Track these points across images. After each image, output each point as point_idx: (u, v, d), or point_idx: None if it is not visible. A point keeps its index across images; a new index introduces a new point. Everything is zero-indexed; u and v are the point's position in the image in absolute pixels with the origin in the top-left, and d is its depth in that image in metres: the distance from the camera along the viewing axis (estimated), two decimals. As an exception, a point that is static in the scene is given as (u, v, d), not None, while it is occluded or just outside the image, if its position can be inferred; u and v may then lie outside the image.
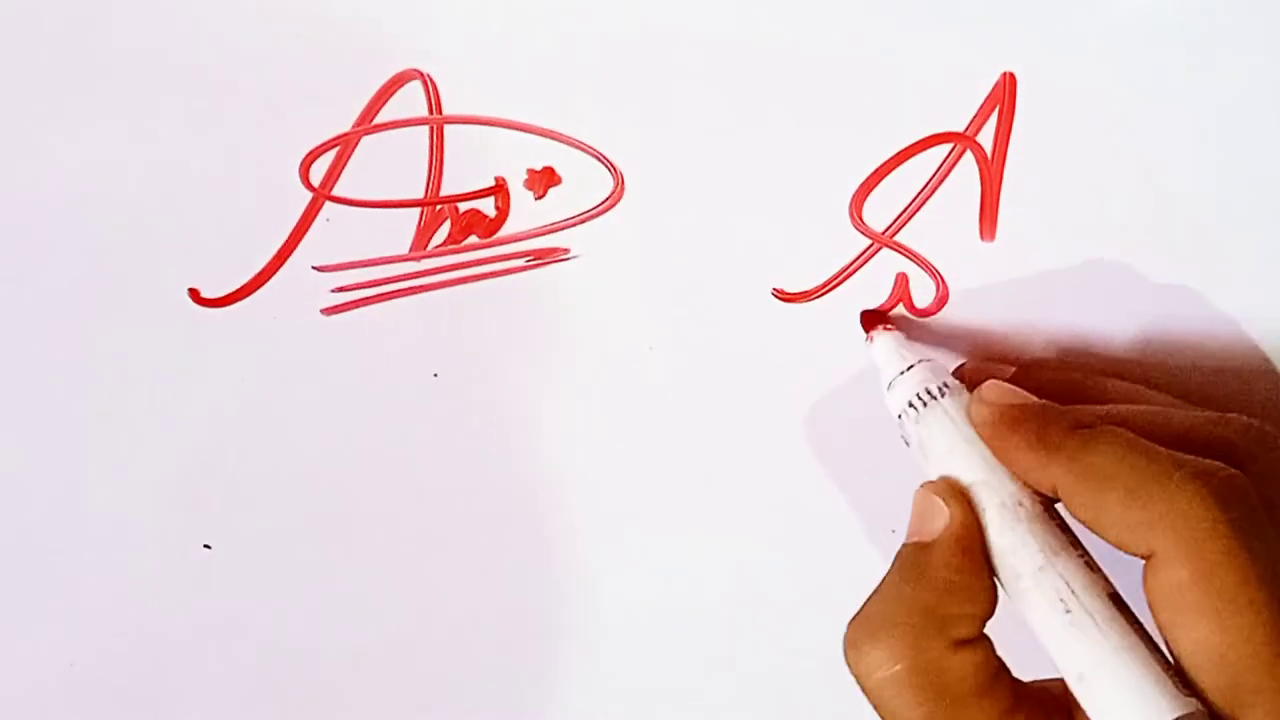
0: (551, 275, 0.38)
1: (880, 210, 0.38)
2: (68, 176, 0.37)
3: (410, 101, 0.37)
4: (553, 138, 0.37)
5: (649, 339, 0.39)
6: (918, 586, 0.32)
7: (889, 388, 0.36)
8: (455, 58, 0.37)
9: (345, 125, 0.37)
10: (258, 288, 0.38)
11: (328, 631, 0.41)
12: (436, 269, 0.38)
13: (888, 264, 0.38)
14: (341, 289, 0.38)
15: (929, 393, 0.35)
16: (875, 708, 0.32)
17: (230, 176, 0.37)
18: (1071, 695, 0.31)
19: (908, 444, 0.35)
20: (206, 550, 0.41)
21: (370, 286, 0.38)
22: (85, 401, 0.39)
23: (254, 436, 0.40)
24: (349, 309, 0.39)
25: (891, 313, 0.38)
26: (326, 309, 0.39)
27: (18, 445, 0.40)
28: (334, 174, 0.37)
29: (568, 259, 0.38)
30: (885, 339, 0.37)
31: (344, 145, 0.37)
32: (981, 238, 0.38)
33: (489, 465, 0.40)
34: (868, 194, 0.37)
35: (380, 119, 0.37)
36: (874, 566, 0.41)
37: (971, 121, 0.37)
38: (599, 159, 0.37)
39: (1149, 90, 0.36)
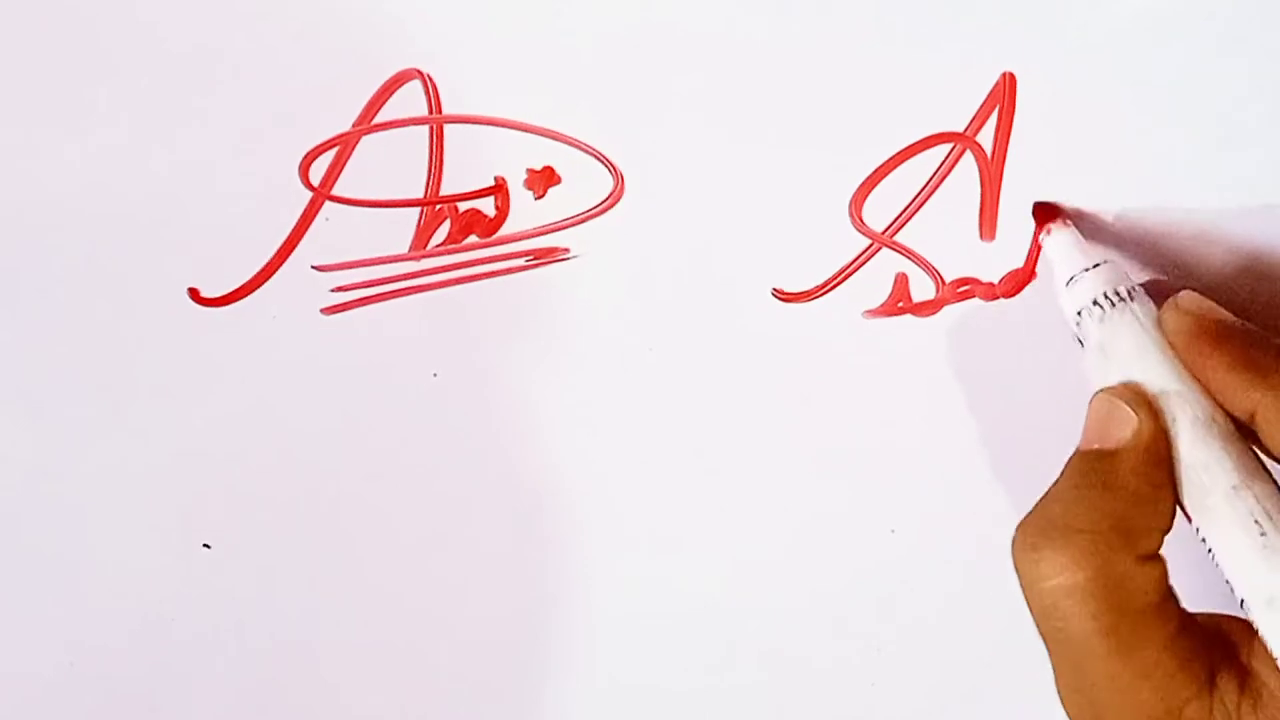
0: (551, 275, 0.38)
1: (880, 210, 0.38)
2: (68, 176, 0.37)
3: (410, 101, 0.37)
4: (553, 138, 0.37)
5: (649, 339, 0.39)
6: (1104, 494, 0.31)
7: (1069, 283, 0.34)
8: (455, 58, 0.37)
9: (345, 125, 0.37)
10: (258, 288, 0.38)
11: (328, 631, 0.42)
12: (436, 269, 0.38)
13: (888, 264, 0.38)
14: (341, 289, 0.38)
15: (1119, 294, 0.33)
16: (1041, 616, 0.30)
17: (230, 176, 0.37)
18: (1230, 629, 0.31)
19: (1083, 344, 0.34)
20: (206, 550, 0.41)
21: (370, 286, 0.38)
22: (85, 401, 0.39)
23: (254, 436, 0.40)
24: (349, 309, 0.39)
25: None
26: (326, 309, 0.39)
27: (18, 445, 0.40)
28: (334, 174, 0.37)
29: (568, 259, 0.38)
30: (1065, 234, 0.35)
31: (344, 145, 0.37)
32: (981, 238, 0.38)
33: (489, 465, 0.40)
34: (868, 194, 0.37)
35: (380, 119, 0.37)
36: (874, 566, 0.41)
37: (971, 121, 0.37)
38: (599, 159, 0.37)
39: (1149, 90, 0.36)
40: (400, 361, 0.39)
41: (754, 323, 0.39)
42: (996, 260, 0.38)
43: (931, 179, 0.37)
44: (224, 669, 0.42)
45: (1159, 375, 0.32)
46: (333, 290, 0.38)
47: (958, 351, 0.39)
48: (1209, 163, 0.37)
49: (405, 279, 0.38)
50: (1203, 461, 0.31)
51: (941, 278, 0.38)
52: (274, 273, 0.38)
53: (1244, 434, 0.32)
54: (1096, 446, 0.32)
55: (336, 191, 0.37)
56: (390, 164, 0.37)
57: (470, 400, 0.40)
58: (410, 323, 0.39)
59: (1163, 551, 0.31)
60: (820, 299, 0.38)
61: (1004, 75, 0.36)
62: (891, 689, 0.42)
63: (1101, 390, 0.33)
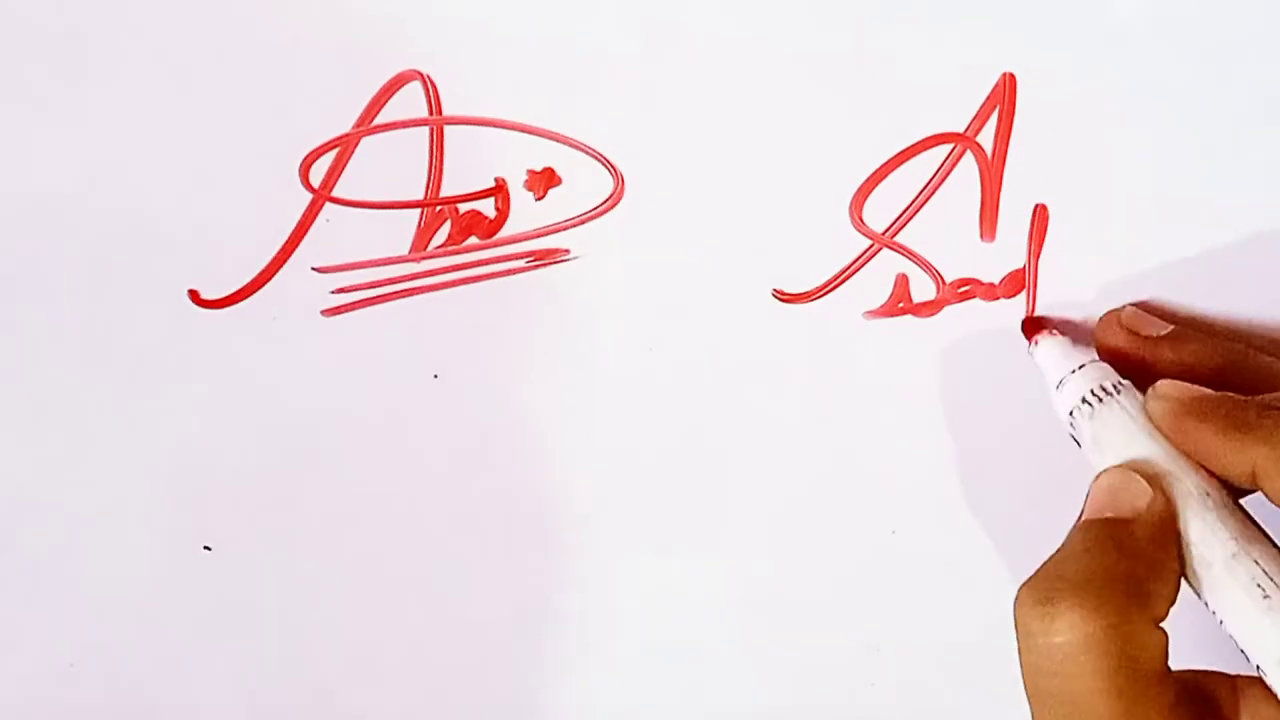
0: (551, 275, 0.38)
1: (880, 210, 0.38)
2: (68, 176, 0.37)
3: (410, 102, 0.37)
4: (553, 138, 0.37)
5: (649, 339, 0.39)
6: (1121, 558, 0.31)
7: (1058, 387, 0.36)
8: (455, 58, 0.37)
9: (345, 126, 0.37)
10: (258, 288, 0.38)
11: (327, 631, 0.42)
12: (436, 269, 0.38)
13: (888, 264, 0.38)
14: (341, 289, 0.38)
15: (1104, 389, 0.35)
16: (1041, 673, 0.30)
17: (230, 176, 0.37)
18: (1215, 688, 0.31)
19: (1078, 443, 0.35)
20: (206, 550, 0.41)
21: (370, 287, 0.38)
22: (85, 402, 0.39)
23: (254, 437, 0.40)
24: (349, 309, 0.39)
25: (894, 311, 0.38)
26: (326, 309, 0.38)
27: (18, 445, 0.40)
28: (334, 174, 0.37)
29: (568, 259, 0.38)
30: (1051, 343, 0.37)
31: (344, 146, 0.37)
32: (981, 238, 0.38)
33: (489, 466, 0.40)
34: (868, 194, 0.37)
35: (380, 119, 0.37)
36: (873, 566, 0.41)
37: (971, 121, 0.37)
38: (599, 159, 0.37)
39: (1149, 90, 0.36)
40: (400, 362, 0.39)
41: (754, 323, 0.39)
42: (996, 260, 0.38)
43: (931, 179, 0.37)
44: (224, 669, 0.42)
45: (1151, 459, 0.33)
46: (333, 291, 0.38)
47: (958, 352, 0.39)
48: (1209, 163, 0.37)
49: (405, 280, 0.38)
50: (1200, 534, 0.32)
51: (942, 278, 0.38)
52: (274, 274, 0.38)
53: (1239, 505, 0.33)
54: (1110, 515, 0.32)
55: (337, 193, 0.37)
56: (390, 165, 0.37)
57: (470, 400, 0.40)
58: (410, 323, 0.39)
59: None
60: (820, 299, 0.38)
61: (1004, 75, 0.36)
62: (891, 689, 0.42)
63: (1111, 467, 0.33)
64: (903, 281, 0.38)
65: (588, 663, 0.42)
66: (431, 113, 0.37)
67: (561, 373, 0.39)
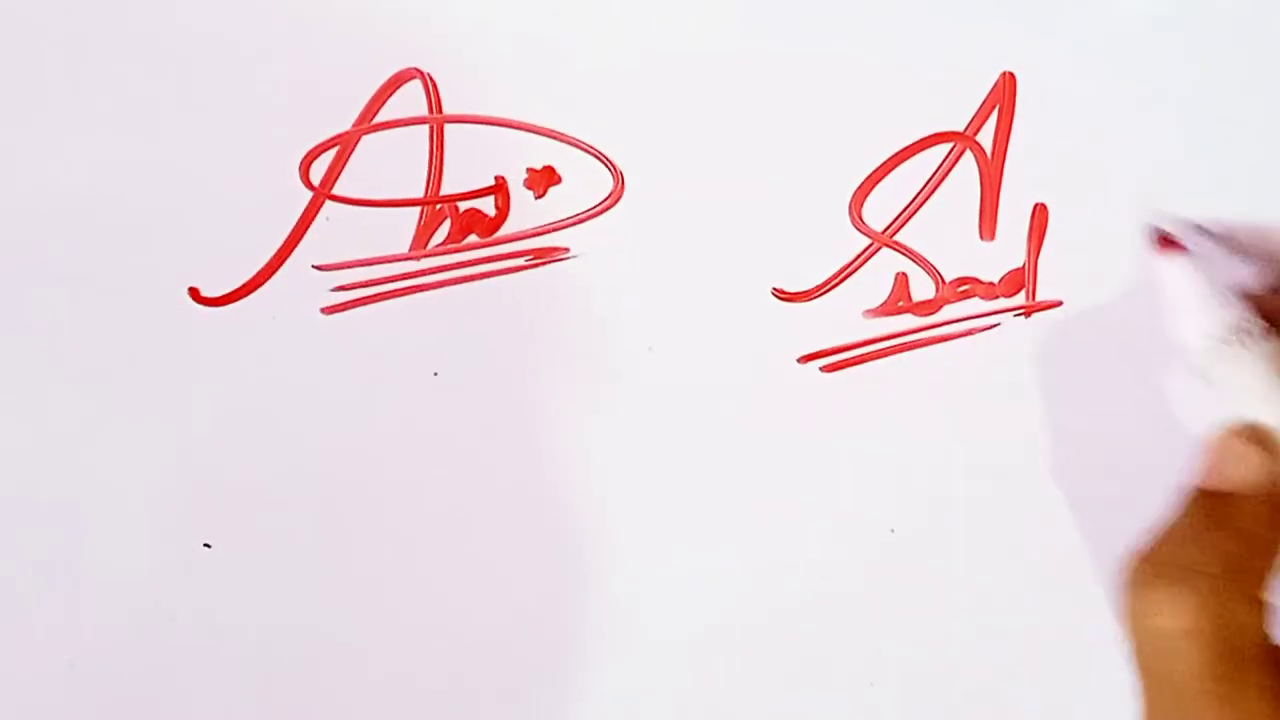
0: (551, 275, 0.38)
1: (880, 210, 0.38)
2: (68, 176, 0.37)
3: (410, 101, 0.37)
4: (553, 138, 0.37)
5: (649, 339, 0.39)
6: (1223, 536, 0.30)
7: (1189, 315, 0.34)
8: (455, 58, 0.37)
9: (345, 125, 0.37)
10: (258, 287, 0.38)
11: (328, 631, 0.41)
12: (436, 268, 0.38)
13: (888, 264, 0.38)
14: (341, 288, 0.38)
15: (1245, 331, 0.33)
16: (1147, 654, 0.30)
17: (230, 176, 0.37)
18: None
19: (1205, 377, 0.34)
20: (206, 550, 0.41)
21: (370, 286, 0.38)
22: (85, 401, 0.39)
23: (254, 436, 0.40)
24: (349, 308, 0.39)
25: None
26: (326, 308, 0.39)
27: (18, 445, 0.40)
28: (334, 173, 0.37)
29: (568, 259, 0.38)
30: (1190, 262, 0.35)
31: (344, 145, 0.37)
32: (981, 237, 0.38)
33: (489, 464, 0.40)
34: (868, 194, 0.37)
35: (380, 118, 0.37)
36: (873, 566, 0.41)
37: (971, 121, 0.37)
38: (599, 159, 0.37)
39: (1149, 90, 0.36)
40: (400, 361, 0.39)
41: (754, 323, 0.39)
42: (996, 260, 0.38)
43: (931, 179, 0.37)
44: (224, 669, 0.42)
45: (1277, 416, 0.32)
46: (333, 290, 0.38)
47: (958, 352, 0.39)
48: (1208, 162, 0.37)
49: (405, 279, 0.38)
50: None
51: (941, 277, 0.38)
52: (274, 272, 0.38)
53: None
54: (1215, 485, 0.32)
55: (337, 191, 0.37)
56: (390, 164, 0.37)
57: (470, 400, 0.40)
58: (410, 323, 0.39)
59: None
60: (820, 298, 0.38)
61: (1004, 75, 0.36)
62: (891, 689, 0.42)
63: (1226, 429, 0.32)
64: (902, 280, 0.38)
65: (587, 661, 0.42)
66: (432, 111, 0.37)
67: (561, 371, 0.39)
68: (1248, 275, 0.35)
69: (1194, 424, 0.33)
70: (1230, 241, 0.36)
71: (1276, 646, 0.30)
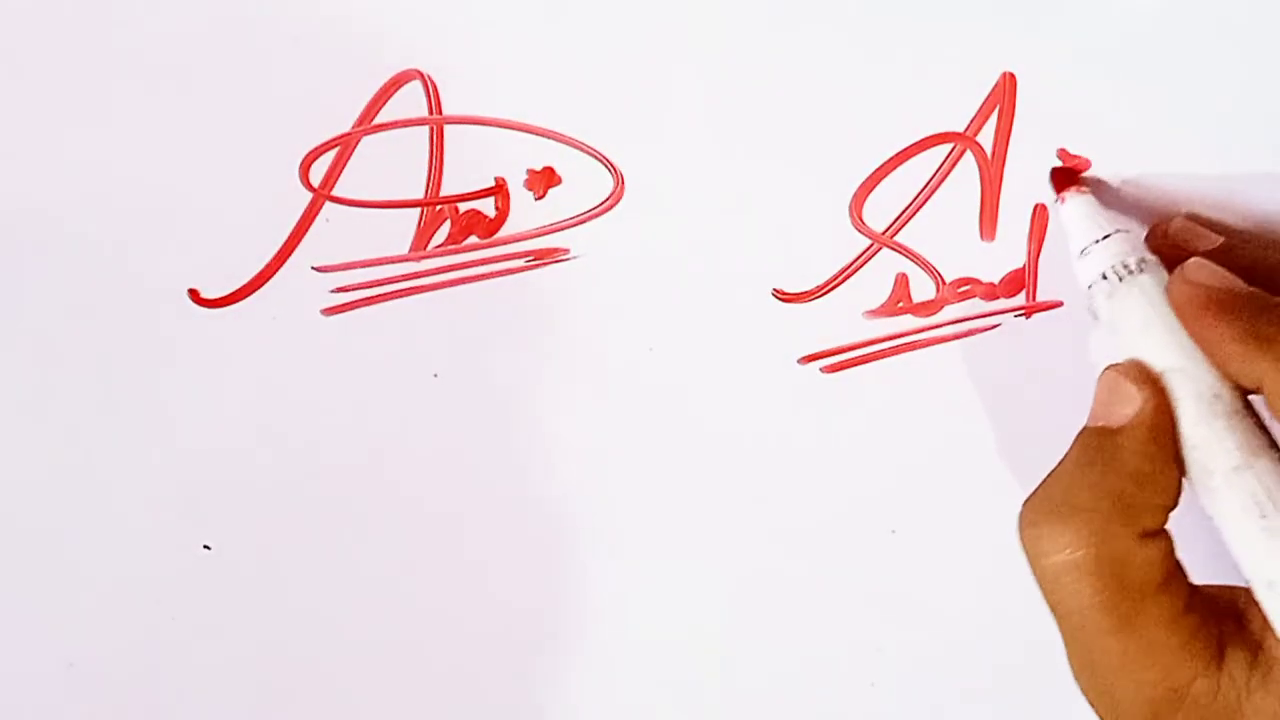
0: (551, 275, 0.38)
1: (880, 210, 0.38)
2: (68, 176, 0.37)
3: (410, 101, 0.37)
4: (553, 138, 0.37)
5: (649, 339, 0.39)
6: (1105, 472, 0.31)
7: (1080, 254, 0.34)
8: (455, 58, 0.37)
9: (345, 125, 0.37)
10: (258, 288, 0.38)
11: (328, 632, 0.41)
12: (436, 269, 0.38)
13: (888, 264, 0.38)
14: (341, 289, 0.38)
15: (1125, 267, 0.33)
16: (1046, 591, 0.31)
17: (230, 176, 0.37)
18: (1243, 602, 0.31)
19: (1096, 318, 0.34)
20: (206, 550, 0.41)
21: (370, 286, 0.38)
22: (85, 401, 0.39)
23: (254, 436, 0.40)
24: (349, 309, 0.39)
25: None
26: (326, 309, 0.39)
27: (17, 445, 0.40)
28: (334, 174, 0.37)
29: (568, 259, 0.38)
30: (1079, 202, 0.35)
31: (344, 145, 0.37)
32: (981, 238, 0.38)
33: (489, 465, 0.40)
34: (868, 194, 0.37)
35: (380, 119, 0.37)
36: (874, 566, 0.41)
37: (971, 121, 0.37)
38: (599, 159, 0.37)
39: (1149, 90, 0.36)
40: (400, 361, 0.39)
41: (754, 323, 0.39)
42: (996, 260, 0.38)
43: (931, 179, 0.37)
44: (224, 669, 0.42)
45: (1164, 351, 0.32)
46: (333, 291, 0.38)
47: (958, 352, 0.39)
48: (1208, 162, 0.37)
49: (405, 279, 0.38)
50: (1204, 440, 0.31)
51: (941, 278, 0.38)
52: (274, 273, 0.38)
53: (1252, 410, 0.31)
54: (1101, 424, 0.32)
55: (337, 192, 0.37)
56: (390, 164, 0.37)
57: (470, 400, 0.40)
58: (410, 323, 0.39)
59: (1171, 526, 0.31)
60: (820, 299, 0.38)
61: (1004, 75, 0.36)
62: (891, 689, 0.42)
63: (1109, 367, 0.32)
64: (902, 281, 0.38)
65: (587, 662, 0.42)
66: (431, 112, 0.37)
67: (561, 373, 0.39)
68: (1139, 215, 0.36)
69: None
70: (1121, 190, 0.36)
71: (1178, 576, 0.31)
